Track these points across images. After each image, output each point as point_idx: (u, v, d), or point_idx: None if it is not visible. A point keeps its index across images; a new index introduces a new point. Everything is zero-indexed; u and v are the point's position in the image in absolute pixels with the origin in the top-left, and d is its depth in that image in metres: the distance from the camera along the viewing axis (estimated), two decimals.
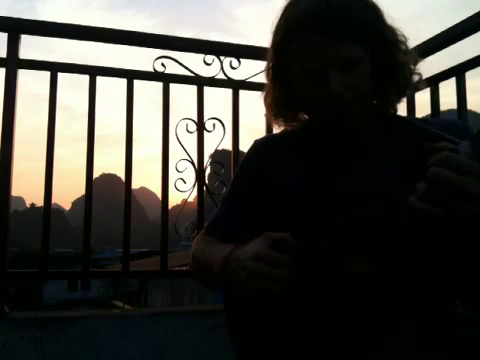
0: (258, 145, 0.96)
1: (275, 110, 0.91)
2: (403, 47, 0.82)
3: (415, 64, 0.84)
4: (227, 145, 1.83)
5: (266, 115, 0.95)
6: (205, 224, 0.98)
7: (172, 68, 1.71)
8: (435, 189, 0.56)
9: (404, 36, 0.83)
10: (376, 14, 0.79)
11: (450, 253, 0.72)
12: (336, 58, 0.75)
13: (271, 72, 0.88)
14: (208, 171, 1.74)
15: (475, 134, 0.58)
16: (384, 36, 0.79)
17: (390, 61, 0.81)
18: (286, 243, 0.70)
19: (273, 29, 0.84)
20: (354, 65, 0.76)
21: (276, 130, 0.98)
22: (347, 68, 0.76)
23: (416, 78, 0.84)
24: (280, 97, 0.88)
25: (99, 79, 1.65)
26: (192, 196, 1.72)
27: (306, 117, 0.92)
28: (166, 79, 1.71)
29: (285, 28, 0.80)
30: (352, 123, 0.81)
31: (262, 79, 1.78)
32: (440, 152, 0.58)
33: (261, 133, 1.77)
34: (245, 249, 0.72)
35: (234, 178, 0.98)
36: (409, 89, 0.85)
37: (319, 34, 0.74)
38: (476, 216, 0.57)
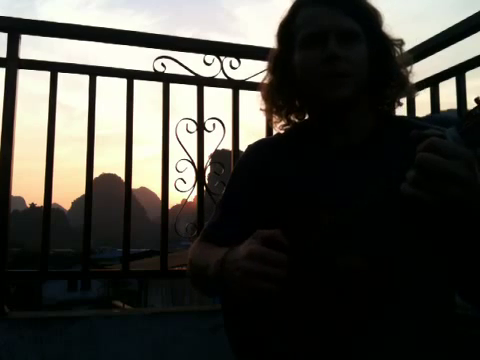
0: (252, 149, 0.97)
1: (270, 98, 0.92)
2: (399, 51, 0.86)
3: (410, 71, 0.87)
4: (227, 145, 1.83)
5: (262, 107, 0.95)
6: (202, 231, 0.98)
7: (172, 68, 1.71)
8: (424, 174, 0.56)
9: (401, 42, 0.86)
10: (376, 11, 0.84)
11: (444, 243, 0.72)
12: (337, 27, 0.80)
13: (273, 61, 0.91)
14: (208, 171, 1.74)
15: (462, 119, 0.58)
16: (382, 32, 0.84)
17: (387, 61, 0.84)
18: (277, 239, 0.69)
19: (280, 17, 0.89)
20: (352, 39, 0.80)
21: (275, 130, 0.99)
22: (345, 40, 0.80)
23: (409, 83, 0.87)
24: (278, 83, 0.90)
25: (99, 79, 1.65)
26: (192, 196, 1.72)
27: (298, 116, 0.93)
28: (166, 79, 1.71)
29: (293, 6, 0.87)
30: (344, 94, 0.80)
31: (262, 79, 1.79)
32: (428, 138, 0.58)
33: (261, 133, 1.77)
34: (238, 250, 0.72)
35: (229, 183, 0.99)
36: (403, 93, 0.87)
37: (323, 5, 0.81)
38: (464, 201, 0.57)
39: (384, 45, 0.84)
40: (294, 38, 0.84)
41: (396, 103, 0.89)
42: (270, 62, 0.92)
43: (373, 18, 0.83)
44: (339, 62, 0.79)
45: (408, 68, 0.86)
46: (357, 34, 0.81)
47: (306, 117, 0.94)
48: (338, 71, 0.79)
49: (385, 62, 0.84)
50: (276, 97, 0.91)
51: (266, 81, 0.93)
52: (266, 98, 0.93)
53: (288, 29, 0.86)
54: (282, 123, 0.94)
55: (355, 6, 0.81)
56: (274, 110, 0.92)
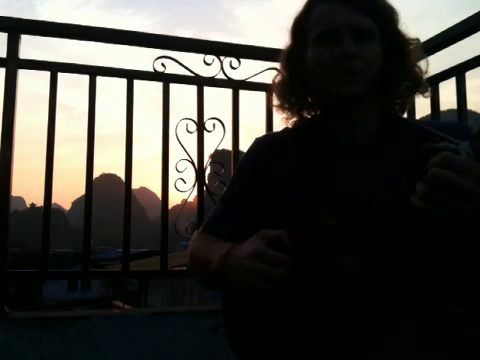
0: (259, 144, 0.96)
1: (282, 95, 0.91)
2: (413, 50, 0.85)
3: (425, 70, 0.86)
4: (227, 145, 1.83)
5: (272, 105, 0.96)
6: (204, 222, 0.98)
7: (172, 68, 1.71)
8: (435, 189, 0.56)
9: (417, 41, 0.86)
10: (392, 9, 0.83)
11: (449, 253, 0.72)
12: (352, 25, 0.79)
13: (286, 57, 0.90)
14: (208, 171, 1.74)
15: (476, 134, 0.57)
16: (397, 30, 0.83)
17: (401, 60, 0.83)
18: (281, 241, 0.70)
19: (294, 14, 0.88)
20: (367, 37, 0.79)
21: (276, 129, 0.99)
22: (360, 38, 0.79)
23: (423, 82, 0.86)
24: (290, 80, 0.90)
25: (99, 79, 1.65)
26: (192, 196, 1.72)
27: (310, 112, 0.92)
28: (166, 79, 1.71)
29: (307, 2, 0.86)
30: (355, 90, 0.80)
31: (262, 79, 1.81)
32: (441, 153, 0.58)
33: (261, 133, 1.77)
34: (242, 248, 0.73)
35: (234, 176, 0.99)
36: (416, 92, 0.86)
37: (338, 2, 0.80)
38: (475, 216, 0.57)
39: (399, 44, 0.83)
40: (308, 35, 0.84)
41: (407, 104, 0.88)
42: (283, 58, 0.91)
43: (389, 16, 0.83)
44: (353, 60, 0.78)
45: (423, 67, 0.85)
46: (372, 32, 0.80)
47: (318, 113, 0.93)
48: (351, 68, 0.79)
49: (399, 61, 0.83)
50: (288, 94, 0.91)
51: (279, 78, 0.93)
52: (279, 95, 0.92)
53: (302, 25, 0.86)
54: (294, 119, 0.93)
55: (371, 4, 0.81)
56: (287, 106, 0.92)
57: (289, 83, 0.90)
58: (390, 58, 0.82)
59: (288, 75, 0.90)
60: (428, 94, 0.88)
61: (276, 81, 0.93)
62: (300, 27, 0.86)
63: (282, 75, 0.92)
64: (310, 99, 0.91)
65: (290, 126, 0.94)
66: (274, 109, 0.95)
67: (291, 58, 0.89)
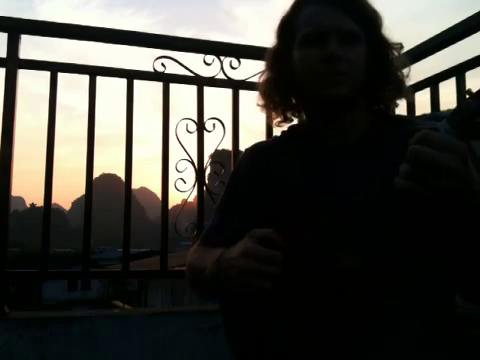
0: (250, 151, 0.97)
1: (268, 94, 0.92)
2: (397, 55, 0.86)
3: (407, 74, 0.87)
4: (227, 145, 1.83)
5: (259, 103, 0.96)
6: (201, 235, 0.99)
7: (172, 68, 1.71)
8: (416, 167, 0.56)
9: (400, 46, 0.87)
10: (377, 14, 0.84)
11: (447, 245, 0.72)
12: (338, 27, 0.80)
13: (271, 57, 0.91)
14: (208, 171, 1.74)
15: (453, 112, 0.58)
16: (381, 35, 0.85)
17: (385, 64, 0.84)
18: (272, 239, 0.70)
19: (282, 14, 0.88)
20: (352, 40, 0.81)
21: (275, 129, 0.99)
22: (346, 41, 0.80)
23: (405, 87, 0.87)
24: (275, 80, 0.90)
25: (99, 79, 1.65)
26: (192, 196, 1.72)
27: (294, 114, 0.93)
28: (166, 79, 1.71)
29: (295, 2, 0.86)
30: (341, 92, 0.80)
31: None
32: (420, 131, 0.58)
33: (261, 133, 1.77)
34: (233, 249, 0.73)
35: (228, 185, 0.99)
36: (399, 96, 0.87)
37: (326, 4, 0.81)
38: (458, 194, 0.57)
39: (383, 48, 0.85)
40: (294, 35, 0.84)
41: (393, 104, 0.89)
42: (268, 58, 0.92)
43: (374, 20, 0.84)
44: (338, 62, 0.79)
45: (405, 72, 0.86)
46: (357, 36, 0.81)
47: (302, 114, 0.94)
48: (337, 70, 0.79)
49: (383, 65, 0.84)
50: (273, 93, 0.91)
51: (264, 77, 0.93)
52: (264, 94, 0.93)
53: (289, 26, 0.86)
54: (278, 119, 0.94)
55: (357, 7, 0.82)
56: (271, 106, 0.93)
57: (274, 82, 0.91)
58: (374, 62, 0.83)
59: (273, 74, 0.91)
60: (411, 98, 0.89)
61: (261, 80, 0.94)
62: (287, 27, 0.87)
63: (267, 74, 0.92)
64: (294, 100, 0.92)
65: (276, 127, 0.96)
66: (259, 109, 0.95)
67: (277, 58, 0.90)
